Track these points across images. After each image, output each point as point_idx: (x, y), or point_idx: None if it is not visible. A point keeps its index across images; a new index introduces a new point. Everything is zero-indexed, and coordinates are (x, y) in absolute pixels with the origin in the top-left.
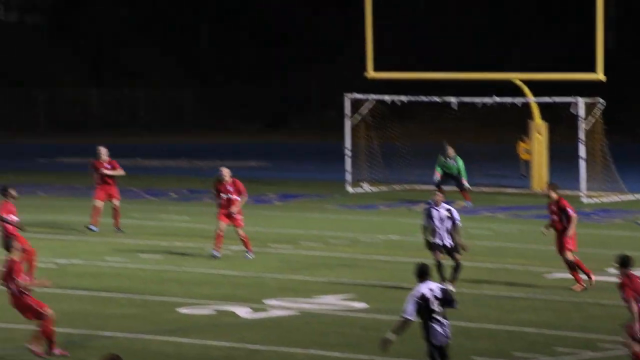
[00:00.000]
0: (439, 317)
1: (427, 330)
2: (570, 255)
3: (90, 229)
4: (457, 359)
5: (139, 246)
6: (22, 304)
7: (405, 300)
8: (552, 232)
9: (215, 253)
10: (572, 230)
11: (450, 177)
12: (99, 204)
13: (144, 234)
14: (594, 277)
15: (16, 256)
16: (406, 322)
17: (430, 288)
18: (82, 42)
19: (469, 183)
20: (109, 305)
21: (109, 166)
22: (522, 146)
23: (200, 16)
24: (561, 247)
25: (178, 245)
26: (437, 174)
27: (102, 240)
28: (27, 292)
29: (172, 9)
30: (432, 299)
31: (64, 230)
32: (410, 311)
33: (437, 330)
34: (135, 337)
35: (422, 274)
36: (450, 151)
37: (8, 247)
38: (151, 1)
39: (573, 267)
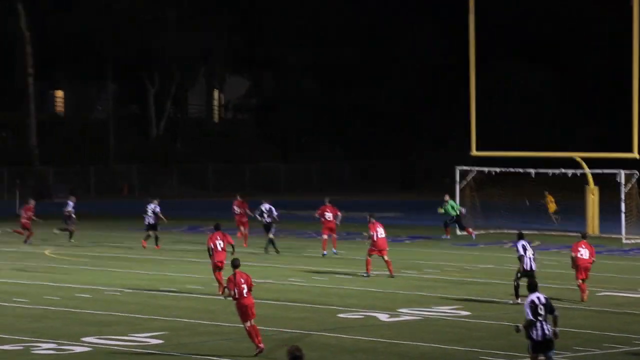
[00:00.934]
0: (542, 319)
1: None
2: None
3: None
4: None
5: (312, 271)
6: (253, 306)
7: (524, 307)
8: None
9: (366, 274)
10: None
11: (451, 217)
12: (325, 237)
13: (315, 262)
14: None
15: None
16: (530, 322)
17: (538, 297)
18: (274, 132)
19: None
20: (290, 311)
21: (329, 212)
22: (550, 200)
23: (353, 113)
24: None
25: (338, 270)
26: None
27: (287, 266)
28: None
29: (330, 109)
30: (539, 304)
31: (259, 259)
32: (529, 314)
33: (539, 329)
34: (308, 333)
35: (532, 287)
36: (446, 197)
37: (238, 265)
38: (319, 105)
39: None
